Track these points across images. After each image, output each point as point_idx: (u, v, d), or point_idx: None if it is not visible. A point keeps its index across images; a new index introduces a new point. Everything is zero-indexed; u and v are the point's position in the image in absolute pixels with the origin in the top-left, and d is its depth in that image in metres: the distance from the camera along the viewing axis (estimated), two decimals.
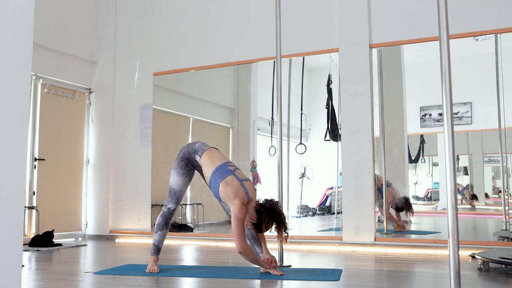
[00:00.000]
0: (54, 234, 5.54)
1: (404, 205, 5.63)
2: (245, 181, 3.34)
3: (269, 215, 3.20)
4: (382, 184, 5.46)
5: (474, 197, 6.21)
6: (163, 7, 6.42)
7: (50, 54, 6.09)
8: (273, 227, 3.26)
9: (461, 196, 6.27)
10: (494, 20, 4.58)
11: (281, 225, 3.22)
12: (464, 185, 6.34)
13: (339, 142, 5.74)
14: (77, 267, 4.16)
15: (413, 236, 5.63)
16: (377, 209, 5.11)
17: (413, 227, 6.00)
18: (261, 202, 3.28)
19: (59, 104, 6.26)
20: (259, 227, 3.23)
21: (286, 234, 3.26)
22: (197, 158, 3.47)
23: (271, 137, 6.74)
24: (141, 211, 6.23)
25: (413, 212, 5.75)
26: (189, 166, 3.53)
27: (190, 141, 6.81)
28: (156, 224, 3.55)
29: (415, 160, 6.54)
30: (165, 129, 6.68)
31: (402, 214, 5.65)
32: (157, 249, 3.55)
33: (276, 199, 3.62)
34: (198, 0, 6.22)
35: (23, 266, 3.58)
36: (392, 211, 5.60)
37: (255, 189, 3.43)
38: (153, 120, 6.31)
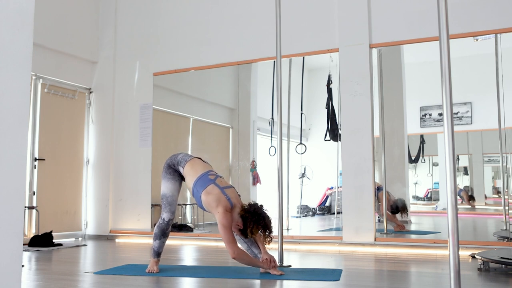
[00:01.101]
0: (54, 234, 5.54)
1: (400, 207, 5.63)
2: (227, 188, 3.35)
3: (253, 219, 3.19)
4: (377, 188, 5.44)
5: (471, 198, 6.21)
6: (163, 7, 6.42)
7: (50, 54, 6.09)
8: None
9: (459, 198, 6.26)
10: (494, 20, 4.57)
11: (266, 229, 3.23)
12: (462, 187, 6.34)
13: (339, 142, 5.74)
14: (77, 267, 4.16)
15: (413, 236, 5.63)
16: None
17: (413, 227, 6.00)
18: (245, 207, 3.28)
19: (59, 104, 6.26)
20: (245, 232, 3.23)
21: (270, 239, 3.27)
22: (180, 169, 3.49)
23: (271, 137, 6.75)
24: (141, 211, 6.23)
25: (407, 214, 5.75)
26: (177, 172, 3.54)
27: (190, 141, 6.84)
28: (154, 234, 3.54)
29: (415, 160, 6.54)
30: (165, 129, 6.68)
31: (398, 216, 5.65)
32: (157, 253, 3.55)
33: (276, 198, 3.62)
34: (198, 0, 6.22)
35: (23, 266, 3.58)
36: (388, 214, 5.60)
37: (239, 195, 3.43)
38: (153, 120, 6.31)
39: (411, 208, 6.33)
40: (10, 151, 1.69)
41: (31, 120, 5.84)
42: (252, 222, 3.19)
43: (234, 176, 6.54)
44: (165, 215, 3.50)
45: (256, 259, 3.37)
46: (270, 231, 3.25)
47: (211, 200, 3.25)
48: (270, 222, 3.28)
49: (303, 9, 5.48)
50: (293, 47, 5.45)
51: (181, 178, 3.58)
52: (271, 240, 3.29)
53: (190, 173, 3.43)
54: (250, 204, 3.29)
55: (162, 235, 3.51)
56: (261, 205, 3.32)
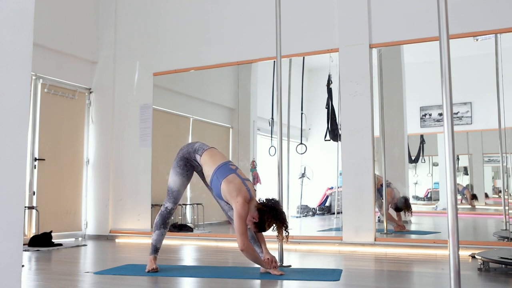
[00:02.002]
0: (54, 234, 5.54)
1: (404, 205, 5.63)
2: (246, 181, 3.38)
3: (271, 213, 3.21)
4: (381, 185, 5.46)
5: (474, 197, 6.21)
6: (163, 7, 6.42)
7: (50, 54, 6.09)
8: (274, 226, 3.27)
9: (461, 196, 6.27)
10: (494, 20, 4.57)
11: (283, 224, 3.24)
12: (464, 185, 6.34)
13: (339, 142, 5.73)
14: (77, 267, 4.16)
15: (413, 236, 5.63)
16: (376, 209, 5.11)
17: (413, 227, 6.00)
18: (263, 201, 3.30)
19: (59, 104, 6.26)
20: (261, 226, 3.24)
21: (287, 233, 3.27)
22: (198, 157, 3.49)
23: (271, 137, 6.74)
24: (141, 211, 6.23)
25: (412, 212, 5.75)
26: (188, 166, 3.53)
27: (190, 141, 6.83)
28: (154, 223, 3.58)
29: (415, 160, 6.53)
30: (165, 129, 6.68)
31: (402, 214, 5.65)
32: (155, 248, 3.56)
33: (276, 199, 3.62)
34: (198, 0, 6.22)
35: (23, 266, 3.58)
36: (392, 211, 5.60)
37: (255, 189, 3.45)
38: (153, 120, 6.31)
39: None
40: (10, 151, 1.69)
41: (31, 120, 5.84)
42: (270, 215, 3.20)
43: None
44: (168, 204, 3.54)
45: (260, 256, 3.38)
46: (287, 227, 3.26)
47: (232, 189, 3.25)
48: (286, 218, 3.30)
49: (303, 9, 5.48)
50: (293, 47, 5.45)
51: (192, 172, 3.58)
52: (288, 235, 3.29)
53: (209, 162, 3.44)
54: (267, 199, 3.31)
55: (163, 224, 3.53)
56: (278, 201, 3.36)
